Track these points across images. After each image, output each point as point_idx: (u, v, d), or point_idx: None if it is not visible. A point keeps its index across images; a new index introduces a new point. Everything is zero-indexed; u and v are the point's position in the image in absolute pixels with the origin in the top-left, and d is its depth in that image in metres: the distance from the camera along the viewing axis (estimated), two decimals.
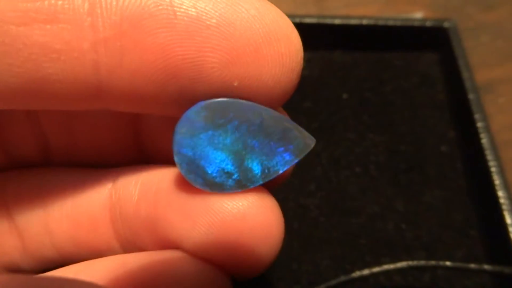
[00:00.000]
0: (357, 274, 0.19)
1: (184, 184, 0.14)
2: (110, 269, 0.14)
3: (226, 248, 0.14)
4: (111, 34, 0.11)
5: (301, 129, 0.14)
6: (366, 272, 0.19)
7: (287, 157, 0.14)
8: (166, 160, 0.15)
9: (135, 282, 0.13)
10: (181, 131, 0.13)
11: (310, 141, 0.14)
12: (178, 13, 0.11)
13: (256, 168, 0.14)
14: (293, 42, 0.13)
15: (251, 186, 0.14)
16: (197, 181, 0.13)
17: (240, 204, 0.14)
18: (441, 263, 0.19)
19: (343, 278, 0.19)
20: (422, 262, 0.19)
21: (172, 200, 0.14)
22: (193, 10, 0.11)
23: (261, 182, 0.14)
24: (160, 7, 0.11)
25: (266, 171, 0.14)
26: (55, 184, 0.16)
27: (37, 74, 0.11)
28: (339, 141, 0.27)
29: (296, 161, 0.14)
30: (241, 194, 0.14)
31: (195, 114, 0.13)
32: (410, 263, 0.19)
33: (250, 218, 0.14)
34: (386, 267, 0.19)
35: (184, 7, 0.11)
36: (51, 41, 0.11)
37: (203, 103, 0.13)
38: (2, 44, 0.11)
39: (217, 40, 0.12)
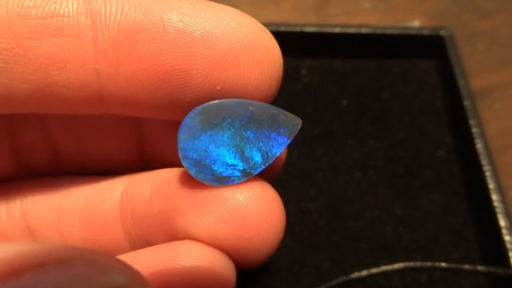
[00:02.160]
0: (355, 275, 0.20)
1: (192, 179, 0.15)
2: None
3: (233, 234, 0.15)
4: (109, 46, 0.13)
5: (287, 113, 0.15)
6: (364, 273, 0.20)
7: (280, 139, 0.15)
8: (169, 164, 0.16)
9: (147, 273, 0.14)
10: (183, 137, 0.14)
11: (297, 121, 0.15)
12: (167, 26, 0.13)
13: (256, 155, 0.15)
14: (271, 50, 0.14)
15: (256, 172, 0.15)
16: (207, 178, 0.15)
17: (245, 192, 0.15)
18: (436, 264, 0.20)
19: (342, 279, 0.20)
20: (418, 263, 0.20)
21: (182, 193, 0.15)
22: (180, 24, 0.13)
23: (263, 167, 0.15)
24: (152, 22, 0.13)
25: (265, 156, 0.15)
26: (69, 188, 0.17)
27: (46, 81, 0.13)
28: (339, 147, 0.28)
29: (288, 142, 0.15)
30: (245, 185, 0.15)
31: (191, 120, 0.14)
32: (407, 264, 0.20)
33: (254, 205, 0.15)
34: (383, 268, 0.20)
35: (172, 21, 0.13)
36: (58, 52, 0.13)
37: (196, 109, 0.14)
38: (16, 55, 0.13)
39: (201, 50, 0.13)
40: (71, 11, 0.13)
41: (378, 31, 0.31)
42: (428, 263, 0.20)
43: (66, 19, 0.13)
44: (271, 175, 0.17)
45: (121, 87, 0.13)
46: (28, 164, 0.17)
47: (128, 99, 0.14)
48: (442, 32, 0.31)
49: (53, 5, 0.13)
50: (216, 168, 0.15)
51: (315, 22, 0.36)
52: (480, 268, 0.20)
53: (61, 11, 0.13)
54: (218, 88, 0.14)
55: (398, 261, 0.23)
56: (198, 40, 0.13)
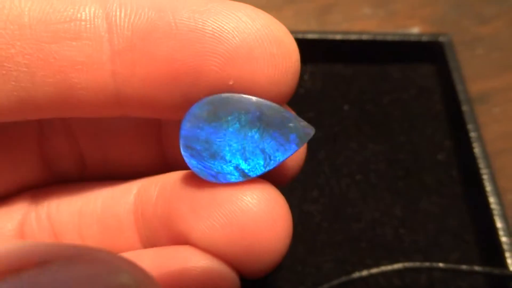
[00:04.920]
0: (357, 275, 0.20)
1: (195, 180, 0.15)
2: None
3: (230, 241, 0.14)
4: (124, 47, 0.13)
5: (299, 119, 0.14)
6: (365, 273, 0.20)
7: (287, 146, 0.14)
8: (188, 169, 0.16)
9: None
10: (186, 125, 0.14)
11: (310, 130, 0.14)
12: (178, 24, 0.13)
13: (258, 157, 0.14)
14: (286, 44, 0.14)
15: (254, 175, 0.14)
16: (203, 172, 0.14)
17: (245, 195, 0.14)
18: (434, 264, 0.21)
19: (343, 278, 0.20)
20: (417, 264, 0.21)
21: (183, 195, 0.15)
22: (192, 21, 0.13)
23: (264, 171, 0.14)
24: (164, 21, 0.13)
25: (268, 159, 0.14)
26: (89, 192, 0.17)
27: (65, 84, 0.14)
28: (340, 150, 0.29)
29: (296, 149, 0.14)
30: (246, 187, 0.14)
31: (198, 109, 0.14)
32: (406, 264, 0.21)
33: (254, 210, 0.14)
34: (383, 268, 0.20)
35: (184, 18, 0.13)
36: (76, 55, 0.13)
37: (205, 99, 0.14)
38: (37, 59, 0.13)
39: (213, 45, 0.13)
40: (88, 15, 0.13)
41: (379, 38, 0.31)
42: (427, 264, 0.21)
43: (83, 23, 0.13)
44: (280, 181, 0.16)
45: (136, 87, 0.14)
46: (56, 170, 0.18)
47: (144, 99, 0.14)
48: (441, 38, 0.31)
49: (71, 10, 0.13)
50: (214, 163, 0.14)
51: (317, 28, 0.36)
52: (477, 268, 0.21)
53: (79, 15, 0.13)
54: (231, 83, 0.13)
55: (398, 261, 0.24)
56: (209, 36, 0.13)
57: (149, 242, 0.16)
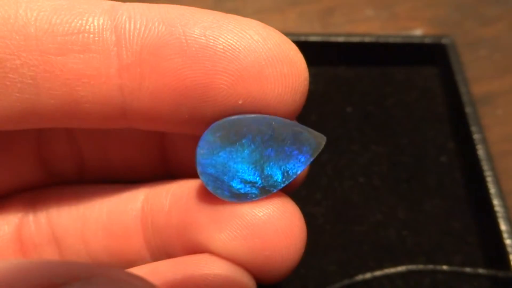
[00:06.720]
0: (360, 277, 0.20)
1: (213, 194, 0.15)
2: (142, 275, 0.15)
3: (252, 251, 0.14)
4: (132, 61, 0.13)
5: (310, 130, 0.15)
6: (368, 275, 0.20)
7: (302, 158, 0.15)
8: (191, 174, 0.16)
9: (167, 286, 0.14)
10: (202, 152, 0.14)
11: (321, 140, 0.15)
12: (189, 41, 0.13)
13: (276, 173, 0.15)
14: (296, 64, 0.14)
15: (275, 191, 0.15)
16: (224, 194, 0.15)
17: (264, 207, 0.15)
18: (438, 267, 0.21)
19: (346, 281, 0.20)
20: (421, 266, 0.21)
21: (201, 207, 0.15)
22: (203, 38, 0.13)
23: (283, 186, 0.15)
24: (174, 36, 0.13)
25: (286, 174, 0.15)
26: (92, 197, 0.17)
27: (71, 97, 0.13)
28: (343, 153, 0.29)
29: (311, 160, 0.15)
30: (265, 200, 0.15)
31: (211, 135, 0.14)
32: (410, 267, 0.21)
33: (274, 221, 0.14)
34: (386, 271, 0.20)
35: (195, 35, 0.13)
36: (83, 68, 0.13)
37: (216, 124, 0.14)
38: (43, 71, 0.13)
39: (223, 64, 0.13)
40: (96, 27, 0.13)
41: (381, 40, 0.31)
42: (430, 266, 0.21)
43: (91, 35, 0.13)
44: (290, 188, 0.17)
45: (143, 102, 0.14)
46: (55, 172, 0.18)
47: (151, 114, 0.14)
48: (443, 40, 0.31)
49: (79, 21, 0.13)
50: (234, 185, 0.14)
51: (320, 31, 0.36)
52: (481, 271, 0.21)
53: (87, 27, 0.13)
54: (240, 102, 0.13)
55: (401, 264, 0.24)
56: (220, 54, 0.13)
57: (159, 250, 0.16)
